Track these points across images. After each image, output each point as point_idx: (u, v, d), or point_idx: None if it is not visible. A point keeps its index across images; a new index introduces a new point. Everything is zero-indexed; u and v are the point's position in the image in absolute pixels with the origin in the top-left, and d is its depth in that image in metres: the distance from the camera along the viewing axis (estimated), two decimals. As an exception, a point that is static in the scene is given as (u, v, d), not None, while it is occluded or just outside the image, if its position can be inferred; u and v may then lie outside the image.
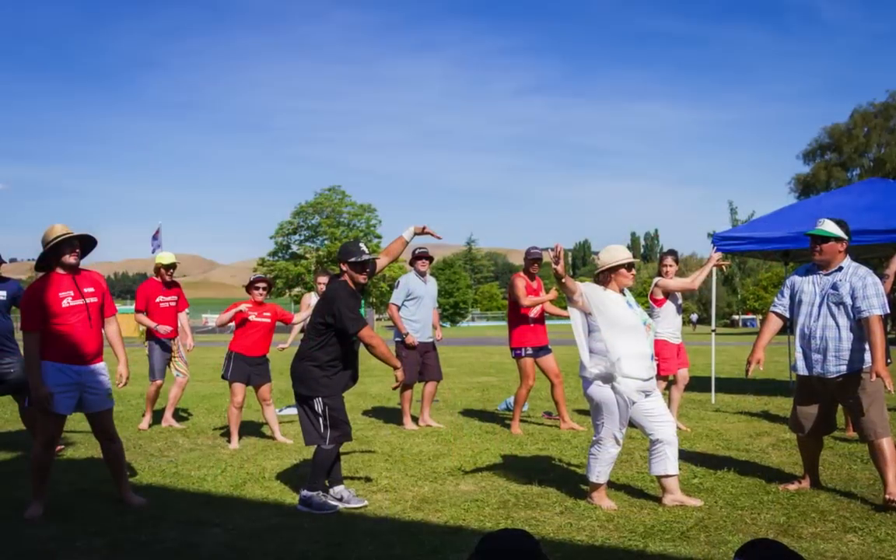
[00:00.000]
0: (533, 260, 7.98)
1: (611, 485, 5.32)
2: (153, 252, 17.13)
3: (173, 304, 8.39)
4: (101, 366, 5.04)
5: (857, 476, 5.76)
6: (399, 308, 8.41)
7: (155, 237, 19.81)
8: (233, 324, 7.53)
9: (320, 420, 5.00)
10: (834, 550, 4.14)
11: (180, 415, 9.31)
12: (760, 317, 57.96)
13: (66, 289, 4.85)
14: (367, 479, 5.87)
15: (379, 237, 61.96)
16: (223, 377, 7.50)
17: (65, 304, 4.83)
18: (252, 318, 7.37)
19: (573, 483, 5.62)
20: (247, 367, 7.39)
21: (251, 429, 8.26)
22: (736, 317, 66.06)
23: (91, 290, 5.00)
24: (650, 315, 6.69)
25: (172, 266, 8.40)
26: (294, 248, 60.82)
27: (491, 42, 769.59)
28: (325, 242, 58.79)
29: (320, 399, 5.01)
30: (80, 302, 4.88)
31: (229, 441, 7.41)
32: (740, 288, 66.98)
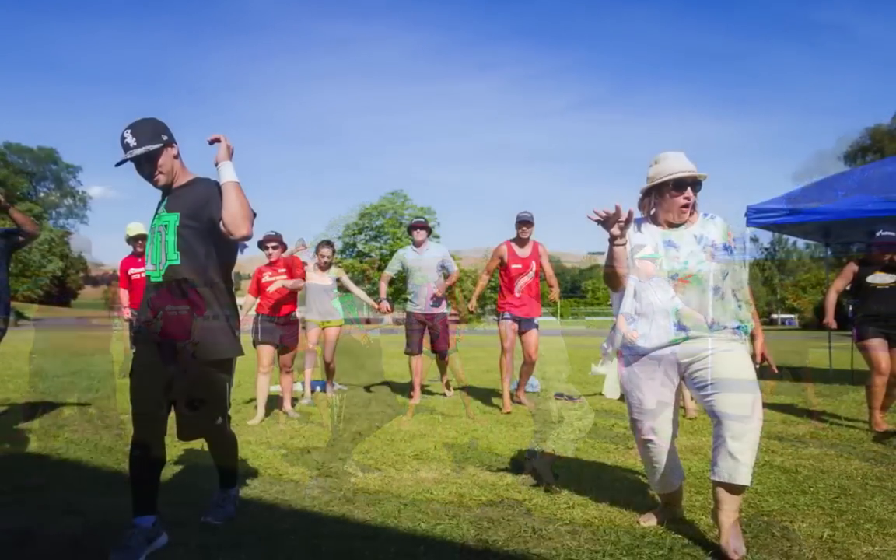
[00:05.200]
0: (520, 222, 7.41)
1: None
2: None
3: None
4: None
5: (921, 476, 4.49)
6: (391, 280, 8.17)
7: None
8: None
9: None
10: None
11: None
12: (797, 317, 54.52)
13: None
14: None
15: (437, 238, 65.18)
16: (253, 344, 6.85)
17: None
18: (266, 277, 6.92)
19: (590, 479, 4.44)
20: (275, 328, 6.89)
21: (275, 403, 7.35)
22: (775, 316, 60.38)
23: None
24: None
25: (142, 237, 7.71)
26: (360, 246, 63.07)
27: (546, 62, 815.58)
28: (388, 241, 60.34)
29: None
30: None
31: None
32: (779, 289, 62.56)
